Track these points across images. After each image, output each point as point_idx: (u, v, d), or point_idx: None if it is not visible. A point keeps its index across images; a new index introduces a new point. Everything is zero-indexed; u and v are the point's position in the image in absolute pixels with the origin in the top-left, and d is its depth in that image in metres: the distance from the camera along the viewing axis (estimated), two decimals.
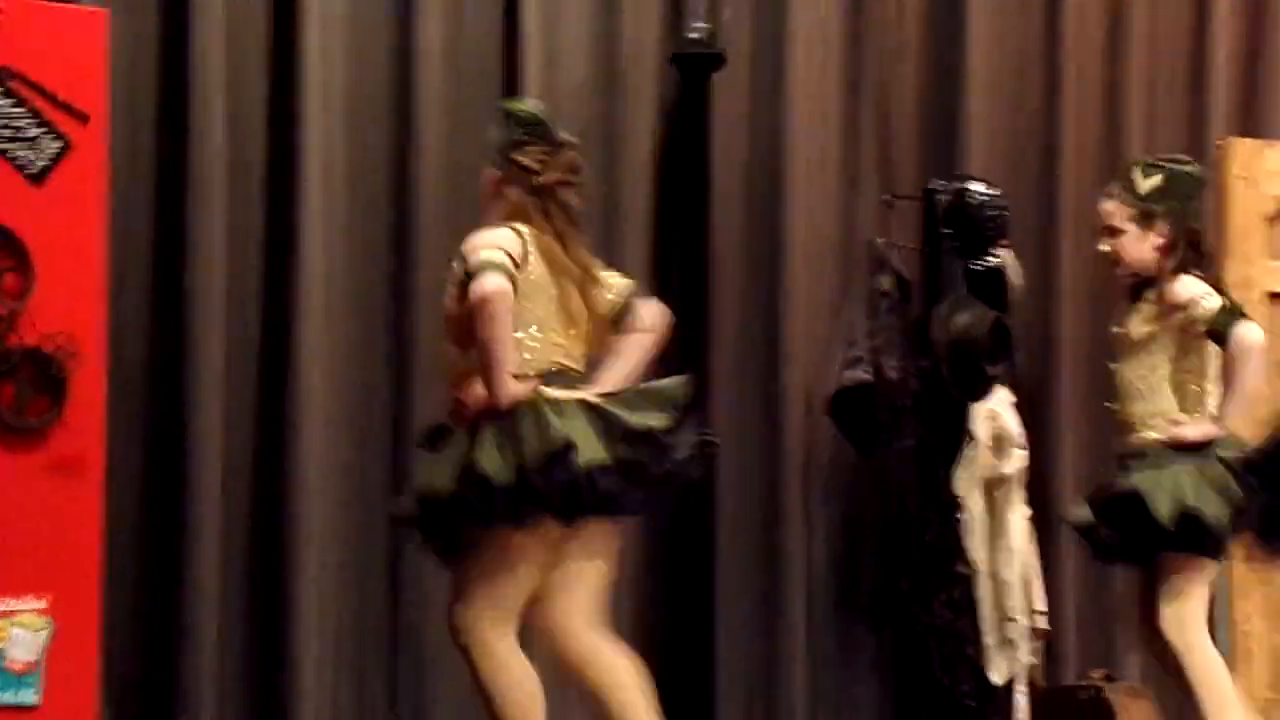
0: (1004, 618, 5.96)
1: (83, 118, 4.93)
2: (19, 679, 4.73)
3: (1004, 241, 5.95)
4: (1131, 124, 6.49)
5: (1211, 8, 6.48)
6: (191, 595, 5.41)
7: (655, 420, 4.38)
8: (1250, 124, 6.55)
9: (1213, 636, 5.24)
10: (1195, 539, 4.83)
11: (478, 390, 4.36)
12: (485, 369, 4.32)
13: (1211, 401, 4.94)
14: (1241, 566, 6.15)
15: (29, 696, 4.74)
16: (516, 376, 4.31)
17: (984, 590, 5.97)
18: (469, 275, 4.37)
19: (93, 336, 4.93)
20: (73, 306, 4.88)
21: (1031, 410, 6.18)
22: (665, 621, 5.92)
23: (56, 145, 4.89)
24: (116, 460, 5.16)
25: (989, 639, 5.96)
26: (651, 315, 4.71)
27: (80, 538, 4.86)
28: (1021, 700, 5.97)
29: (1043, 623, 5.99)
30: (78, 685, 4.83)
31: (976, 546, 5.96)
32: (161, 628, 5.43)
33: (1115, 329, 5.07)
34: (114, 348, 5.15)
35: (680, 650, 5.87)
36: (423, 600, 5.50)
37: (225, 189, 5.51)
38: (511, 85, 5.86)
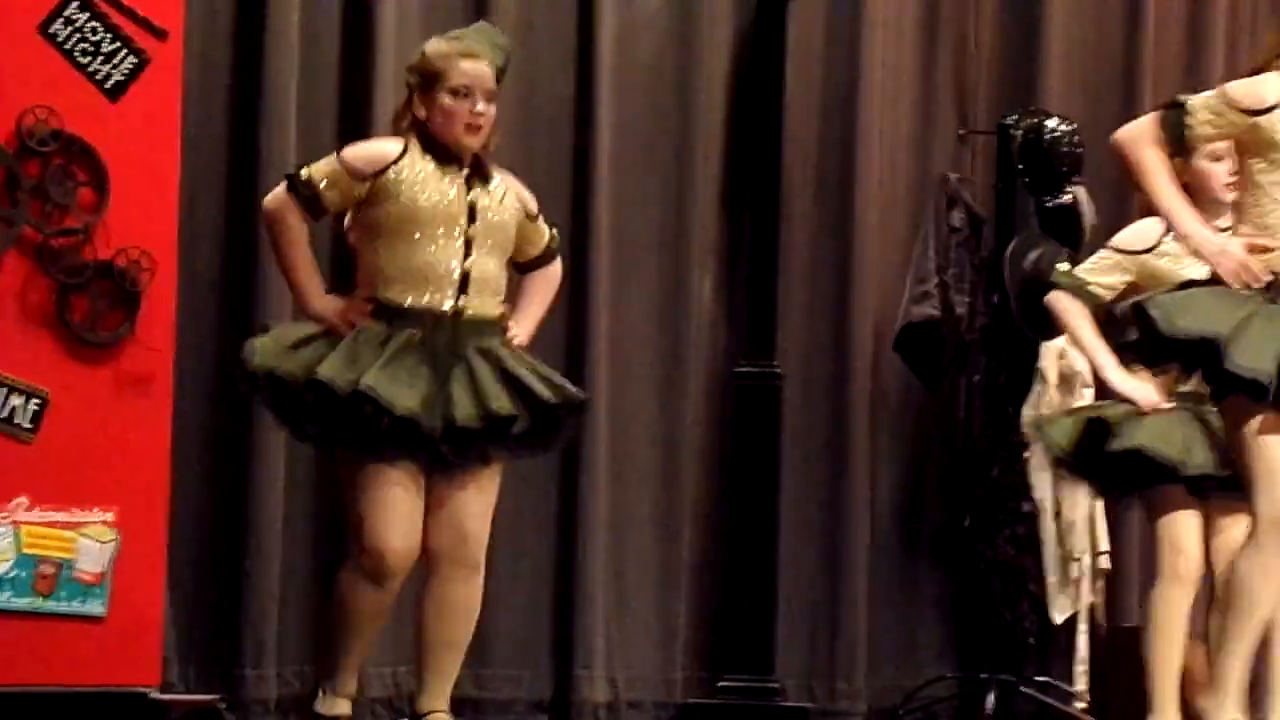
0: (1067, 556, 5.97)
1: (161, 34, 4.98)
2: (86, 589, 4.82)
3: (1078, 179, 5.93)
4: (1215, 58, 6.42)
5: None
6: (256, 513, 5.48)
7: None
8: None
9: None
10: None
11: None
12: None
13: None
14: None
15: (96, 607, 4.83)
16: None
17: (1048, 528, 5.99)
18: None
19: (166, 252, 5.00)
20: (146, 222, 4.95)
21: None
22: (728, 557, 5.95)
23: (133, 61, 4.94)
24: (185, 377, 5.23)
25: (1052, 577, 5.98)
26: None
27: (148, 452, 4.93)
28: (1083, 639, 6.00)
29: (1105, 562, 5.99)
30: (144, 598, 4.92)
31: (1042, 484, 5.97)
32: (227, 545, 5.50)
33: None
34: (186, 264, 5.21)
35: (742, 586, 5.89)
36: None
37: (298, 106, 5.56)
38: (587, 13, 5.86)
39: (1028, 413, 5.97)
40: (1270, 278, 3.87)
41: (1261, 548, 3.88)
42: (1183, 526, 4.80)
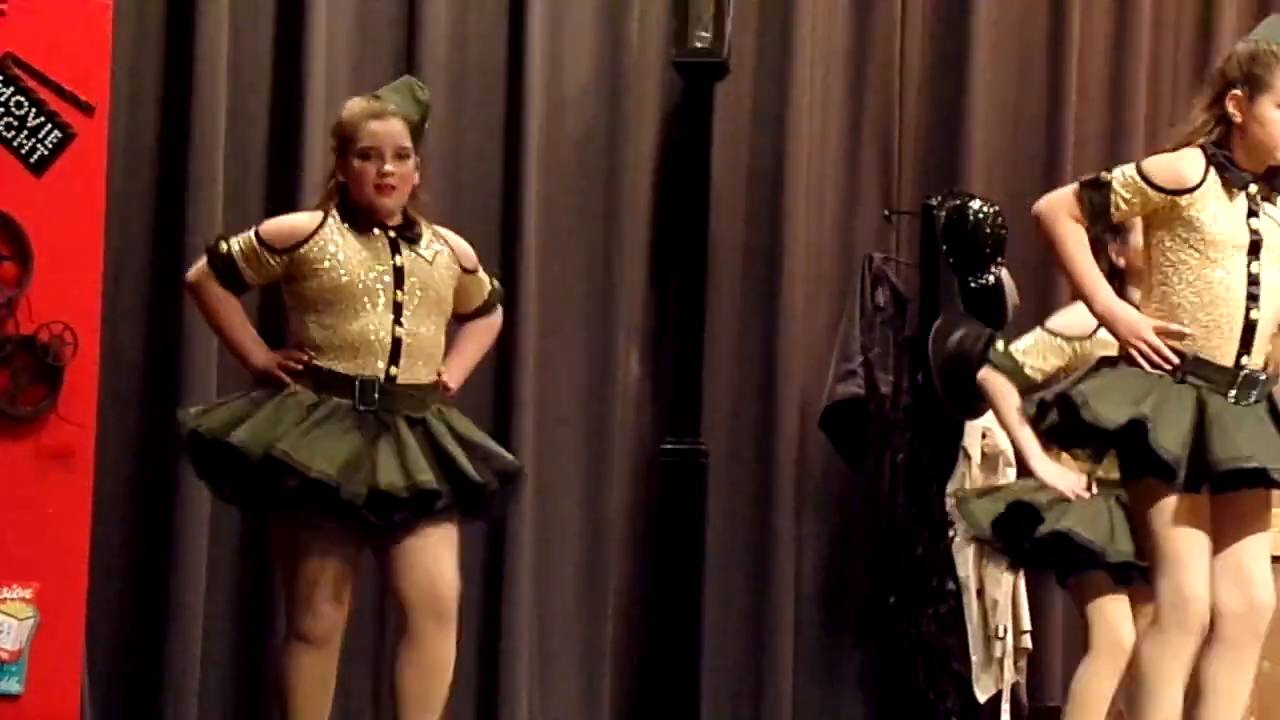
0: (991, 635, 5.99)
1: (87, 109, 4.93)
2: (2, 667, 4.72)
3: (1001, 260, 5.98)
4: (1135, 144, 6.49)
5: (1217, 23, 6.54)
6: (177, 590, 5.43)
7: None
8: None
9: None
10: None
11: None
12: None
13: None
14: None
15: (13, 685, 4.73)
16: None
17: (971, 607, 6.01)
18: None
19: (88, 327, 4.93)
20: (70, 296, 4.88)
21: None
22: (652, 632, 5.95)
23: (58, 135, 4.87)
24: (107, 453, 5.17)
25: (975, 655, 6.01)
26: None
27: (69, 528, 4.85)
28: (1005, 718, 6.00)
29: (1028, 641, 6.01)
30: (62, 675, 4.82)
31: (965, 563, 6.00)
32: (147, 621, 5.45)
33: None
34: (109, 339, 5.19)
35: (667, 662, 5.90)
36: None
37: (225, 183, 5.54)
38: (515, 87, 5.89)
39: (951, 491, 5.97)
40: (1178, 361, 3.89)
41: (1164, 630, 3.89)
42: (1111, 609, 4.83)
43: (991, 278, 5.94)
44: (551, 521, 5.93)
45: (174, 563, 5.44)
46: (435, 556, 4.22)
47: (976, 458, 6.00)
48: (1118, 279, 4.72)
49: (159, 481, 5.46)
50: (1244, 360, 3.88)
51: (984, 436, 5.99)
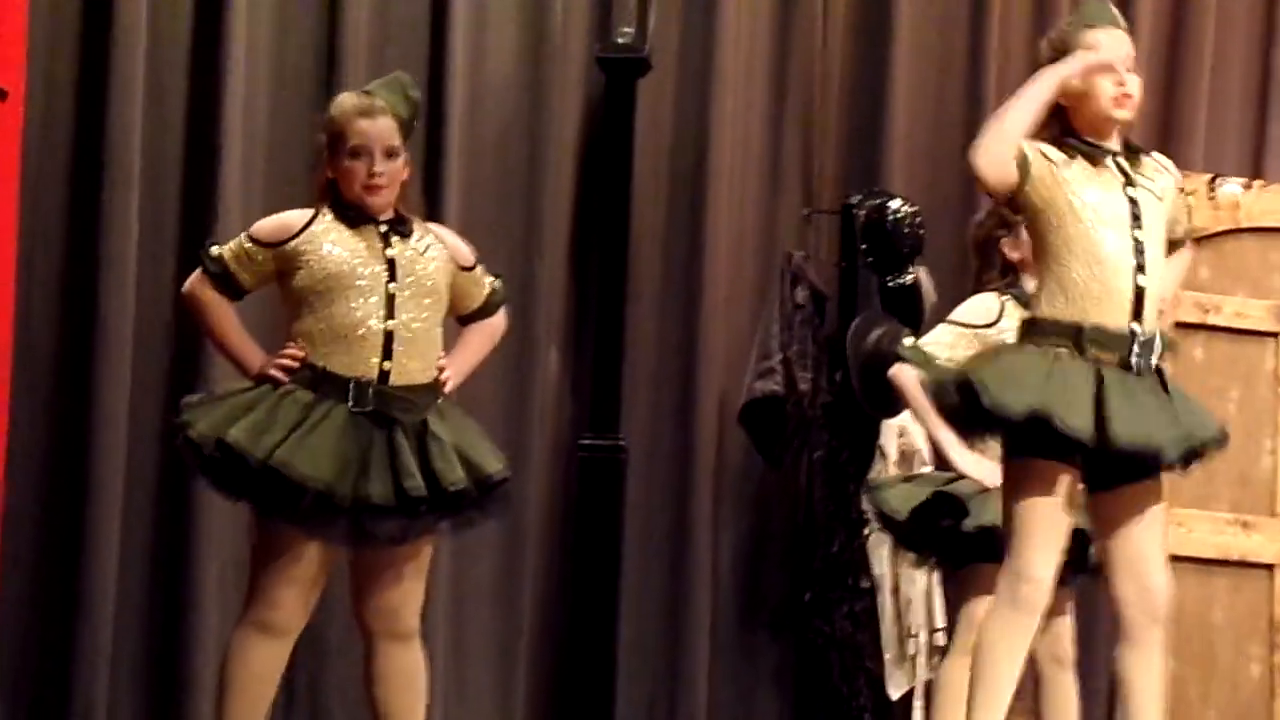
0: (904, 633, 6.02)
1: (1, 94, 4.95)
2: None
3: (919, 259, 6.02)
4: None
5: (1134, 38, 6.52)
6: (88, 577, 5.42)
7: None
8: (1165, 154, 6.57)
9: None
10: None
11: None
12: None
13: None
14: None
15: None
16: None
17: (886, 605, 6.03)
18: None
19: (3, 310, 4.95)
20: None
21: None
22: (568, 628, 5.94)
23: None
24: (19, 442, 5.18)
25: (889, 653, 6.02)
26: None
27: None
28: (918, 715, 6.02)
29: (941, 639, 6.01)
30: None
31: (881, 561, 6.01)
32: (58, 608, 5.44)
33: None
34: (21, 322, 5.19)
35: (582, 657, 5.88)
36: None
37: (140, 167, 5.53)
38: (437, 77, 5.88)
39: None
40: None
41: (1001, 607, 3.97)
42: (985, 612, 4.87)
43: (910, 277, 5.97)
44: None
45: (84, 550, 5.43)
46: (397, 585, 4.23)
47: (893, 456, 6.02)
48: (1012, 273, 4.82)
49: (71, 470, 5.46)
50: (1135, 327, 3.96)
51: (901, 435, 6.01)
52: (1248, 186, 6.55)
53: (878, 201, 6.05)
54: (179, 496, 5.55)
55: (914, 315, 5.93)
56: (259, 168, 5.72)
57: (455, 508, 4.23)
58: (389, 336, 4.17)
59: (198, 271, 4.22)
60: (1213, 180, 6.49)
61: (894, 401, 5.88)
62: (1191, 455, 4.02)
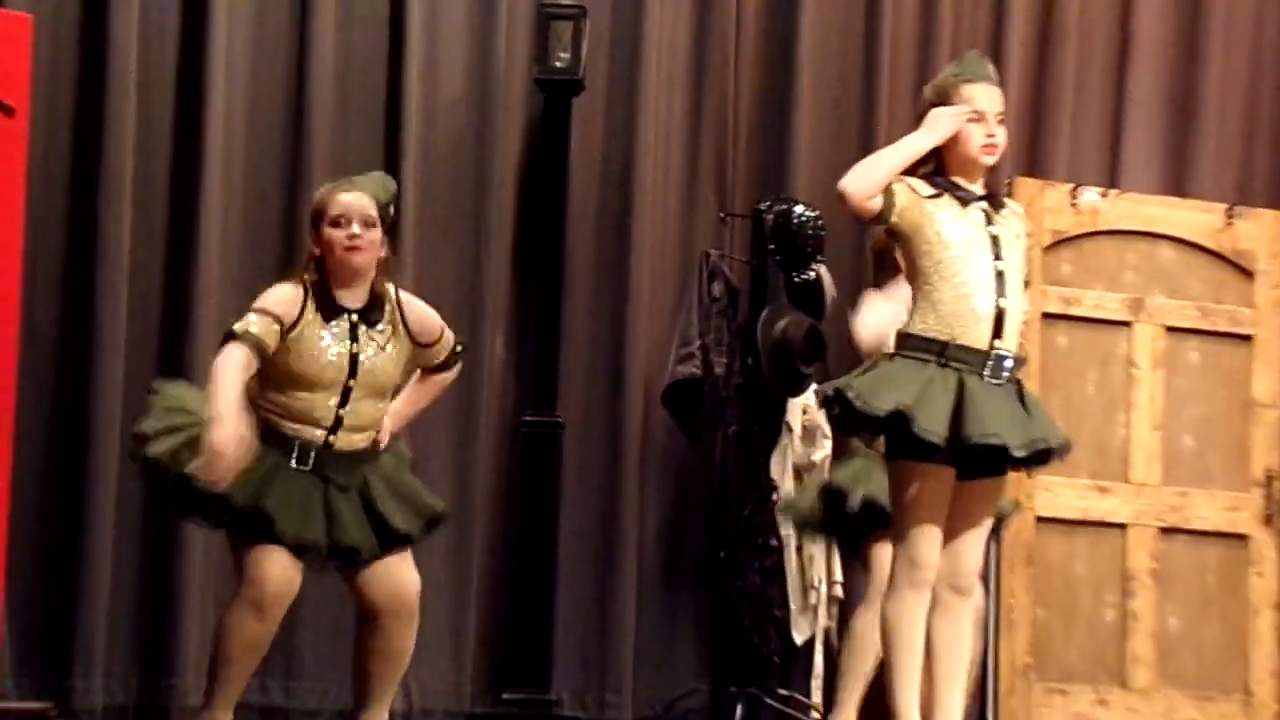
0: (807, 586, 6.02)
1: (8, 110, 4.95)
2: None
3: (821, 258, 6.01)
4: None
5: (1005, 60, 6.50)
6: (88, 542, 5.42)
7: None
8: (1033, 166, 6.62)
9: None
10: None
11: None
12: None
13: None
14: (1009, 547, 6.33)
15: None
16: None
17: (791, 561, 6.02)
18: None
19: (9, 306, 4.96)
20: None
21: None
22: (512, 583, 5.92)
23: None
24: (24, 422, 5.17)
25: (794, 604, 6.02)
26: None
27: None
28: (819, 658, 6.04)
29: (839, 591, 6.02)
30: None
31: (786, 523, 5.97)
32: (61, 568, 5.43)
33: None
34: (27, 317, 5.18)
35: (524, 609, 5.88)
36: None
37: (133, 184, 5.53)
38: (394, 98, 5.88)
39: (775, 460, 6.04)
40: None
41: (898, 590, 4.02)
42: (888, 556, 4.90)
43: (812, 274, 5.94)
44: (426, 483, 5.81)
45: (84, 517, 5.42)
46: (399, 570, 4.29)
47: (798, 430, 6.03)
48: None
49: (71, 449, 5.45)
50: (996, 344, 4.02)
51: (804, 412, 6.00)
52: (1104, 195, 6.57)
53: (784, 207, 6.04)
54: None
55: (816, 307, 5.95)
56: (237, 179, 5.71)
57: (392, 546, 4.28)
58: (338, 420, 4.25)
59: (236, 347, 4.10)
60: (1074, 189, 6.52)
61: (798, 382, 5.99)
62: (1039, 457, 4.07)
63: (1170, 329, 6.58)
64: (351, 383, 4.25)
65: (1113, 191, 6.62)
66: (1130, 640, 6.47)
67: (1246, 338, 6.64)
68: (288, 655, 5.65)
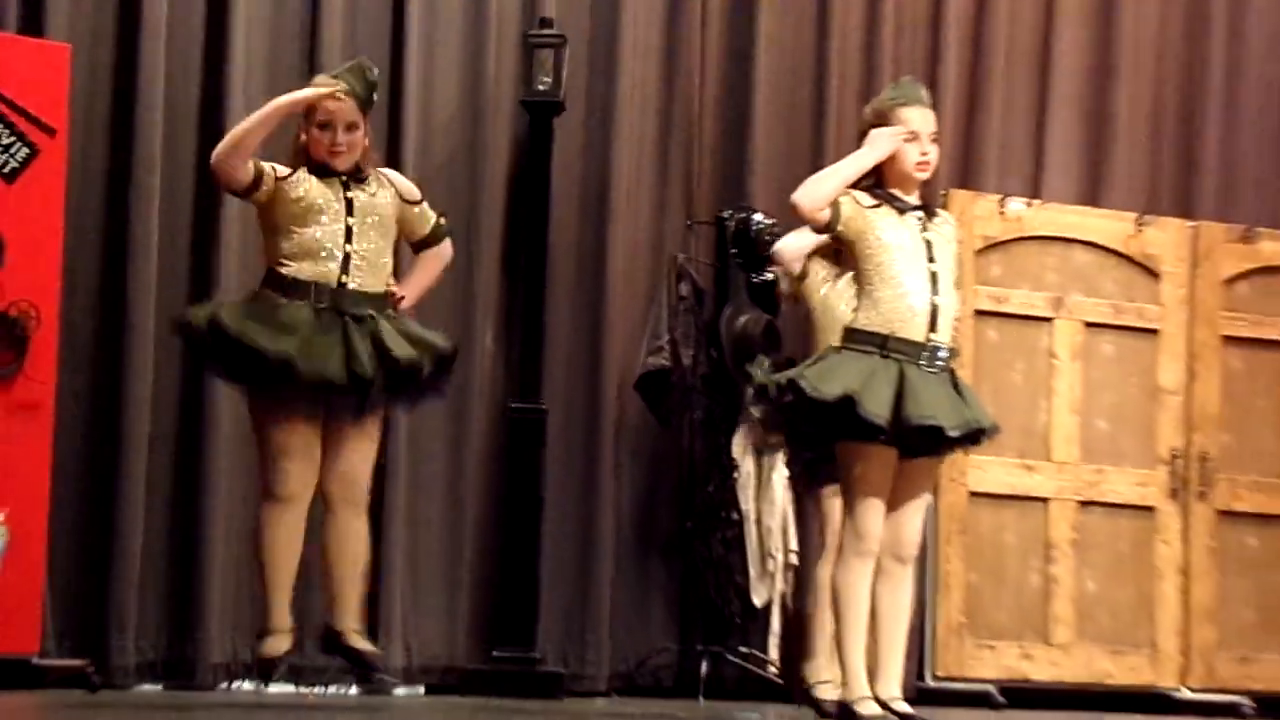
0: (765, 554, 6.05)
1: (49, 130, 5.03)
2: None
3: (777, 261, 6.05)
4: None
5: (940, 84, 6.53)
6: (121, 517, 5.42)
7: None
8: (966, 179, 6.64)
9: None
10: None
11: None
12: None
13: None
14: (945, 519, 6.36)
15: None
16: None
17: (750, 533, 6.06)
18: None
19: (50, 305, 5.04)
20: (34, 280, 4.98)
21: None
22: (502, 553, 5.91)
23: (26, 151, 4.98)
24: (65, 403, 5.22)
25: (753, 570, 6.04)
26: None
27: (33, 464, 4.97)
28: (776, 620, 6.07)
29: (795, 559, 6.05)
30: (27, 582, 4.94)
31: (746, 498, 6.05)
32: (97, 540, 5.44)
33: None
34: (66, 315, 5.21)
35: (512, 576, 5.87)
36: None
37: (160, 194, 5.55)
38: (395, 116, 5.89)
39: (736, 442, 6.06)
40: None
41: (847, 559, 4.08)
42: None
43: (769, 275, 5.78)
44: (421, 465, 5.88)
45: (117, 492, 5.41)
46: (351, 458, 4.33)
47: (758, 416, 5.79)
48: None
49: (106, 427, 5.45)
50: (931, 337, 4.10)
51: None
52: (1029, 204, 6.59)
53: (744, 215, 6.02)
54: (192, 450, 5.55)
55: (772, 305, 5.90)
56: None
57: (404, 384, 4.35)
58: (346, 257, 4.34)
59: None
60: (1002, 200, 6.54)
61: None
62: (971, 438, 4.12)
63: (1087, 324, 6.59)
64: (350, 220, 4.34)
65: (1036, 202, 6.65)
66: (1052, 601, 6.49)
67: (1153, 332, 6.68)
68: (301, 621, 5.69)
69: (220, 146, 4.33)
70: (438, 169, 6.01)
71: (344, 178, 4.41)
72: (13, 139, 4.97)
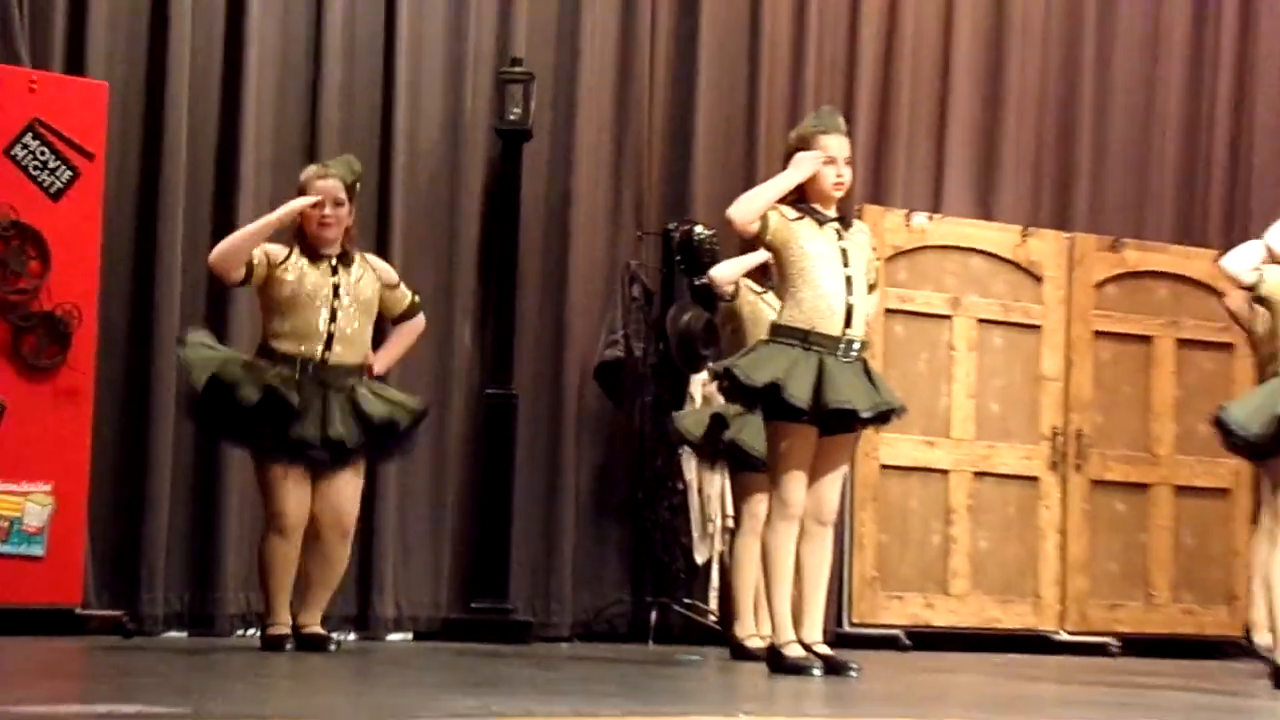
0: (705, 519, 6.11)
1: (89, 155, 5.11)
2: (31, 538, 4.91)
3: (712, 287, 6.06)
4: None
5: (855, 114, 6.59)
6: (151, 488, 5.47)
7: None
8: (877, 195, 6.68)
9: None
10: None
11: None
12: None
13: None
14: (860, 487, 6.45)
15: (38, 550, 4.93)
16: None
17: (693, 500, 6.12)
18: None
19: (90, 306, 5.11)
20: (77, 284, 5.05)
21: None
22: (479, 519, 5.95)
23: (69, 173, 5.05)
24: (102, 391, 5.26)
25: (695, 533, 6.10)
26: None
27: (76, 443, 5.04)
28: (715, 575, 6.14)
29: (730, 523, 5.88)
30: (71, 544, 5.03)
31: (689, 470, 6.11)
32: (130, 508, 5.49)
33: None
34: (104, 314, 5.26)
35: (488, 539, 5.90)
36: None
37: (184, 210, 5.59)
38: (387, 143, 5.94)
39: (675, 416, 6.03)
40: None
41: (774, 524, 4.16)
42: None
43: (708, 279, 5.83)
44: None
45: (148, 468, 5.47)
46: (342, 494, 4.42)
47: (699, 400, 6.03)
48: None
49: (138, 411, 5.48)
50: (847, 331, 4.19)
51: (705, 384, 5.95)
52: (931, 218, 6.69)
53: (687, 227, 6.12)
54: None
55: (711, 304, 5.92)
56: (265, 207, 5.41)
57: (380, 439, 4.42)
58: (330, 336, 4.41)
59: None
60: (908, 214, 6.64)
61: (698, 362, 6.03)
62: (882, 416, 4.21)
63: (980, 321, 6.71)
64: (336, 304, 4.38)
65: (937, 216, 6.75)
66: (951, 558, 6.61)
67: (1037, 328, 6.81)
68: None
69: (219, 250, 4.35)
70: (423, 186, 6.07)
71: (333, 262, 4.43)
72: (58, 163, 5.04)
